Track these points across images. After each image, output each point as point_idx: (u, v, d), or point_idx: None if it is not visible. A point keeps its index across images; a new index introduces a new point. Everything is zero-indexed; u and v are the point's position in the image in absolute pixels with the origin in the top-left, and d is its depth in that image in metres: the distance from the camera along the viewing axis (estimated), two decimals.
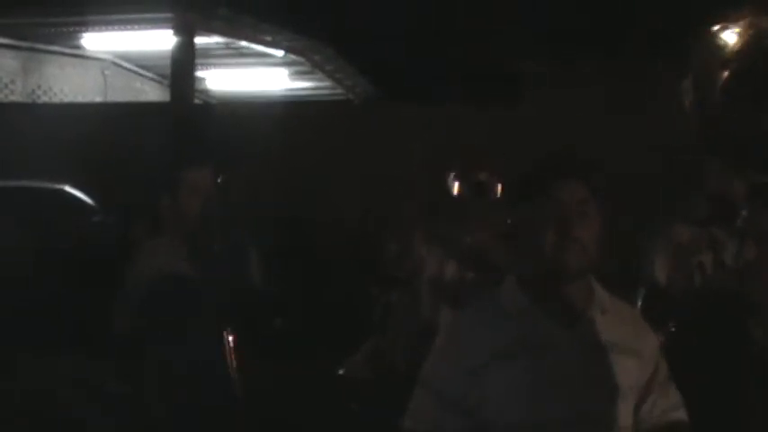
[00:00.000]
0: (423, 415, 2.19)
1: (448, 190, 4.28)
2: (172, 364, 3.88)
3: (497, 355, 2.12)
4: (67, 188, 9.42)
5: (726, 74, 2.37)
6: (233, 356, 3.91)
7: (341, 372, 4.42)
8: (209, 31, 13.21)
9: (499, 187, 4.24)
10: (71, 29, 13.81)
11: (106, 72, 16.06)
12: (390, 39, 17.12)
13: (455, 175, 4.30)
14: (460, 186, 4.26)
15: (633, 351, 2.20)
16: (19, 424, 5.47)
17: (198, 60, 13.09)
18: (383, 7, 16.13)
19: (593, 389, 2.12)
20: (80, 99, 15.45)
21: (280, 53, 14.63)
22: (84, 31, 13.83)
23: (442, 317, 3.98)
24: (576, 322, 2.16)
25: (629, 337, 2.22)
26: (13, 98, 14.89)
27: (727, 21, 2.37)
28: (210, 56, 14.62)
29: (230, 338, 3.97)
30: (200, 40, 12.94)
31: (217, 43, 14.04)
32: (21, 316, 7.35)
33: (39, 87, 15.37)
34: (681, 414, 2.27)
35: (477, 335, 2.17)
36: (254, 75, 16.14)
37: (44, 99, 15.36)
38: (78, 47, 14.95)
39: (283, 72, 16.01)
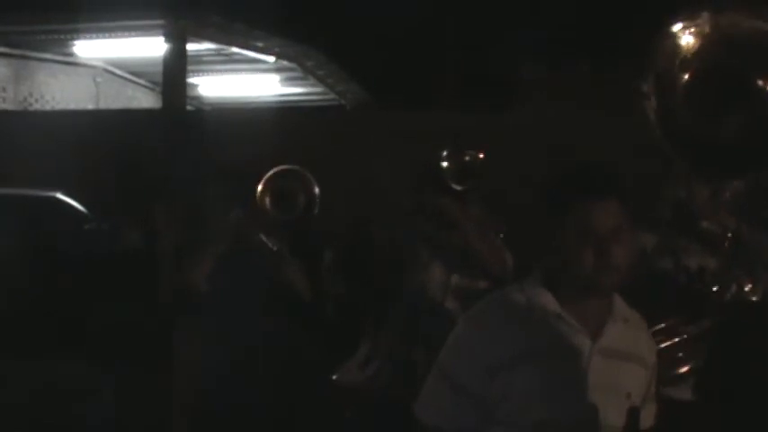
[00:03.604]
0: (439, 405, 2.20)
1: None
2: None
3: (522, 356, 2.13)
4: (60, 195, 9.39)
5: (685, 75, 2.35)
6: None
7: (334, 377, 4.40)
8: (201, 37, 13.19)
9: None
10: (63, 36, 13.77)
11: (98, 79, 16.02)
12: (384, 44, 17.12)
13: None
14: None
15: (644, 361, 2.26)
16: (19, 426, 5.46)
17: (190, 67, 13.06)
18: (377, 12, 16.13)
19: (610, 395, 2.15)
20: (72, 106, 15.41)
21: (271, 59, 14.62)
22: (76, 39, 13.79)
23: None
24: (600, 328, 2.19)
25: (643, 347, 2.27)
26: (4, 106, 14.85)
27: (685, 20, 2.33)
28: (203, 62, 14.60)
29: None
30: (192, 47, 12.92)
31: (209, 50, 14.03)
32: (15, 322, 7.33)
33: (30, 95, 15.33)
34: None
35: (500, 334, 2.18)
36: (247, 81, 16.13)
37: (36, 106, 15.31)
38: (70, 54, 14.91)
39: (275, 78, 16.00)
